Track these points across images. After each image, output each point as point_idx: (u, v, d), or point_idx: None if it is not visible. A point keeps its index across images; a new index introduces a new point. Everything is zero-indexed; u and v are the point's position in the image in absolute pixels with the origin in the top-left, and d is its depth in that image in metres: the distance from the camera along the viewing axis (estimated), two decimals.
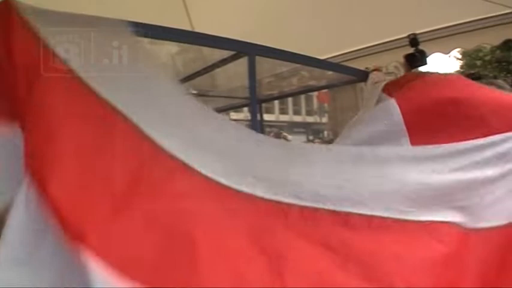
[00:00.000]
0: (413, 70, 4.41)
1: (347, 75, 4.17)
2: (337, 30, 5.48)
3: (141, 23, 2.34)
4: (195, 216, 1.66)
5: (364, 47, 5.91)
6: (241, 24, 4.94)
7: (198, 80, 4.43)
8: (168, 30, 2.57)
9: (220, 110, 6.44)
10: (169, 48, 4.23)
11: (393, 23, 5.26)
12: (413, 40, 4.24)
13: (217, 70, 3.94)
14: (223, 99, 5.94)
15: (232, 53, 3.04)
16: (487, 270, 2.13)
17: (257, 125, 3.07)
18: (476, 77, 5.36)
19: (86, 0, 3.56)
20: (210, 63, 3.78)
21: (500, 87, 3.10)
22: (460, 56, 24.59)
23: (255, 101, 3.06)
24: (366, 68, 4.39)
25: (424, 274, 1.93)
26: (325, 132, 22.86)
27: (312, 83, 5.23)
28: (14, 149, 1.59)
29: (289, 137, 8.02)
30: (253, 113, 3.04)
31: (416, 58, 4.24)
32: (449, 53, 5.83)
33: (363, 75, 4.01)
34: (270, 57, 3.15)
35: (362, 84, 3.96)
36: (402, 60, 4.43)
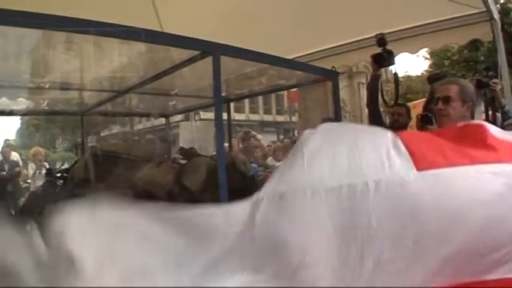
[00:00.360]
0: (381, 69, 4.44)
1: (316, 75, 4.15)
2: (305, 29, 5.49)
3: (110, 23, 2.32)
4: None
5: (332, 47, 5.94)
6: (210, 24, 4.91)
7: (166, 80, 4.39)
8: (135, 31, 2.58)
9: (188, 110, 6.41)
10: (138, 47, 4.19)
11: (361, 23, 5.29)
12: (381, 40, 4.25)
13: (186, 69, 3.91)
14: (192, 99, 5.89)
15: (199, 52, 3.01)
16: None
17: (222, 125, 3.02)
18: (441, 76, 5.43)
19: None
20: (177, 63, 3.75)
21: (463, 86, 3.13)
22: (428, 56, 24.99)
23: (220, 101, 3.04)
24: (333, 67, 4.37)
25: None
26: (295, 131, 22.85)
27: (281, 82, 5.21)
28: None
29: (259, 136, 8.03)
30: (217, 112, 2.99)
31: (384, 58, 4.25)
32: (416, 52, 5.90)
33: (331, 75, 4.02)
34: (236, 57, 3.13)
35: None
36: (370, 60, 4.43)
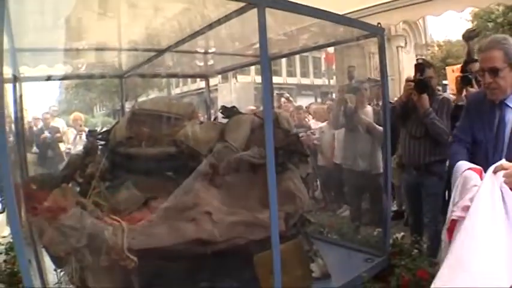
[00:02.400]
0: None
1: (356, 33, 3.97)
2: None
3: None
4: None
5: (373, 5, 5.72)
6: None
7: (207, 38, 4.31)
8: None
9: (232, 69, 6.31)
10: (173, 8, 4.10)
11: None
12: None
13: (223, 30, 3.82)
14: (229, 61, 5.79)
15: (241, 4, 2.88)
16: None
17: (268, 82, 2.87)
18: (476, 34, 5.21)
19: None
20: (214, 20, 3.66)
21: (507, 48, 2.89)
22: (471, 18, 24.18)
23: (267, 57, 2.82)
24: (378, 23, 4.20)
25: None
26: (334, 95, 22.61)
27: (321, 41, 5.05)
28: None
29: (291, 98, 7.99)
30: (264, 69, 2.78)
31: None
32: (462, 10, 5.61)
33: (377, 31, 3.86)
34: (282, 9, 2.93)
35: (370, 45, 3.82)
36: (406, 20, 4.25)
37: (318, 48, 6.57)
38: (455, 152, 3.09)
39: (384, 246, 3.89)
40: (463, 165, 2.75)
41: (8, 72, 2.35)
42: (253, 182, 3.09)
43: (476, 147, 3.08)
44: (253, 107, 7.67)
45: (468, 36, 5.10)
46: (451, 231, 2.53)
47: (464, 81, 4.59)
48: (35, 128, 9.82)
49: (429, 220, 4.64)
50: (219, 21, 3.61)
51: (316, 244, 3.71)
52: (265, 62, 2.79)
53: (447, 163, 4.36)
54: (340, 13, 5.46)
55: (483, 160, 2.83)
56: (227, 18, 3.43)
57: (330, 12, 3.41)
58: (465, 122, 3.23)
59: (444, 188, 4.68)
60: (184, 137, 3.42)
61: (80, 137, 9.17)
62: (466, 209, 2.40)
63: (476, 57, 4.96)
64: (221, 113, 4.02)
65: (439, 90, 4.80)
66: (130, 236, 2.59)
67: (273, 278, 2.70)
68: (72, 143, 9.67)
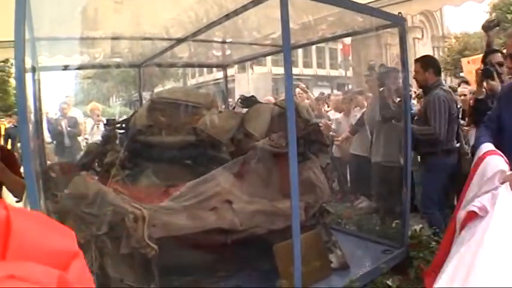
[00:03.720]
0: None
1: (376, 23, 3.93)
2: None
3: None
4: None
5: None
6: None
7: (226, 28, 4.28)
8: None
9: (252, 58, 6.28)
10: None
11: None
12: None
13: (239, 20, 3.79)
14: (246, 51, 5.76)
15: None
16: None
17: (290, 70, 2.81)
18: (496, 24, 5.12)
19: None
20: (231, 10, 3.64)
21: None
22: (489, 10, 23.91)
23: (289, 47, 2.79)
24: (399, 12, 4.14)
25: None
26: (350, 86, 22.47)
27: (339, 31, 5.01)
28: None
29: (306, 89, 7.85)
30: (286, 59, 2.71)
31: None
32: (482, 1, 5.51)
33: (398, 20, 3.81)
34: None
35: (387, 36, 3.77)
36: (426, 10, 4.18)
37: (338, 38, 6.53)
38: (480, 135, 3.09)
39: (402, 238, 3.87)
40: (485, 147, 2.80)
41: (27, 62, 2.36)
42: (273, 171, 3.08)
43: (502, 134, 3.07)
44: (271, 98, 7.63)
45: (488, 26, 5.00)
46: (467, 221, 2.54)
47: (485, 74, 4.49)
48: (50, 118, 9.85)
49: None
50: (236, 12, 3.60)
51: (335, 235, 3.70)
52: (288, 51, 2.76)
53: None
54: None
55: (507, 147, 2.81)
56: (245, 8, 3.41)
57: (351, 0, 3.37)
58: (495, 110, 3.23)
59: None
60: (204, 125, 3.41)
61: (98, 127, 9.20)
62: (483, 209, 2.41)
63: (496, 48, 4.89)
64: (240, 102, 4.00)
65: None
66: (151, 224, 2.59)
67: (293, 268, 2.69)
68: (90, 133, 9.71)
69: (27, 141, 2.07)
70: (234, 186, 2.95)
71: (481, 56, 5.56)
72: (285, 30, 2.65)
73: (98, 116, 9.80)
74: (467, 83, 7.29)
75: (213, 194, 2.82)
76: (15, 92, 2.12)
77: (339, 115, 7.33)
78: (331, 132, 6.91)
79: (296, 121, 2.85)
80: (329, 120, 7.17)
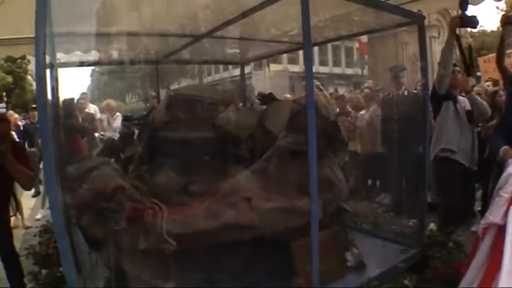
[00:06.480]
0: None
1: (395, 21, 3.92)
2: None
3: None
4: None
5: None
6: None
7: (235, 26, 4.27)
8: None
9: (270, 55, 6.26)
10: None
11: None
12: None
13: (256, 18, 3.78)
14: (263, 48, 5.73)
15: None
16: None
17: (311, 68, 2.78)
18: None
19: None
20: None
21: None
22: (506, 8, 23.65)
23: (310, 43, 2.76)
24: (418, 10, 4.10)
25: None
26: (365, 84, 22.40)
27: (357, 29, 4.98)
28: None
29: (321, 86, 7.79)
30: (306, 56, 2.69)
31: None
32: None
33: (417, 18, 3.78)
34: None
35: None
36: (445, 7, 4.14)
37: (356, 35, 6.48)
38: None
39: (419, 238, 3.83)
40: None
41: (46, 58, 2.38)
42: (291, 169, 3.06)
43: None
44: (288, 95, 7.60)
45: (506, 22, 4.97)
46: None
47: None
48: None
49: None
50: (253, 9, 3.59)
51: (351, 233, 3.68)
52: (309, 48, 2.75)
53: None
54: None
55: None
56: (262, 5, 3.40)
57: None
58: None
59: None
60: (223, 122, 3.41)
61: (111, 124, 9.26)
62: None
63: None
64: (258, 99, 4.00)
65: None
66: (170, 220, 2.59)
67: (310, 267, 2.68)
68: (109, 129, 9.77)
69: (48, 138, 2.08)
70: (252, 183, 2.95)
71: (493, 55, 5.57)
72: (306, 27, 2.63)
73: (114, 112, 9.86)
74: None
75: (231, 190, 2.82)
76: (31, 88, 2.13)
77: (362, 112, 7.28)
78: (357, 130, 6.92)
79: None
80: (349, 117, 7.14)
